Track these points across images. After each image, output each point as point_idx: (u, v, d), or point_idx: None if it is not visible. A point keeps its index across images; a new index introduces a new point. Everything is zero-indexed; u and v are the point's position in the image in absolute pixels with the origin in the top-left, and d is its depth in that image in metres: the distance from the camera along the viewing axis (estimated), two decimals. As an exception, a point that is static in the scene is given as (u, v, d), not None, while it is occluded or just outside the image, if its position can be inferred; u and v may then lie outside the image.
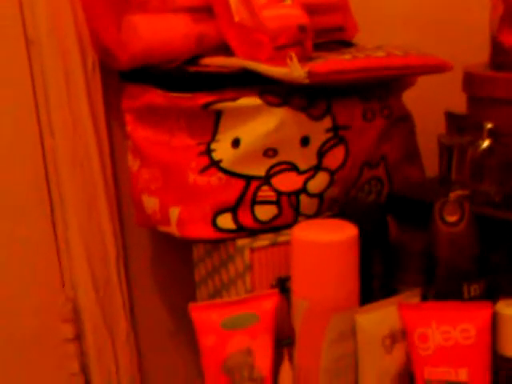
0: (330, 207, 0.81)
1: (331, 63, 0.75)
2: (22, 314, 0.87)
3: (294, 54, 0.73)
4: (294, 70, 0.72)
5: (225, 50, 0.78)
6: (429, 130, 0.87)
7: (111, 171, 0.89)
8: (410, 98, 0.88)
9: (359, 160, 0.82)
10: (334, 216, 0.78)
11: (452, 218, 0.72)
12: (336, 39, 0.91)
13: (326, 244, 0.70)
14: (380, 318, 0.71)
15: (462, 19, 1.03)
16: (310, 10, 0.81)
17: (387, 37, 0.91)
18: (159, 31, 0.78)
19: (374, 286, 0.76)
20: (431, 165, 0.88)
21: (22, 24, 0.82)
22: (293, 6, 0.78)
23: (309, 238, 0.71)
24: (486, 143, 0.79)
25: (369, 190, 0.84)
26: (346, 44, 0.91)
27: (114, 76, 0.85)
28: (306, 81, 0.71)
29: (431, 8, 1.05)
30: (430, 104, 0.91)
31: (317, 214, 0.80)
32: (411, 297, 0.74)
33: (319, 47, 0.86)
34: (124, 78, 0.83)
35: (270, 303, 0.73)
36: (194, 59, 0.79)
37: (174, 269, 0.96)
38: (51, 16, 0.82)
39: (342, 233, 0.71)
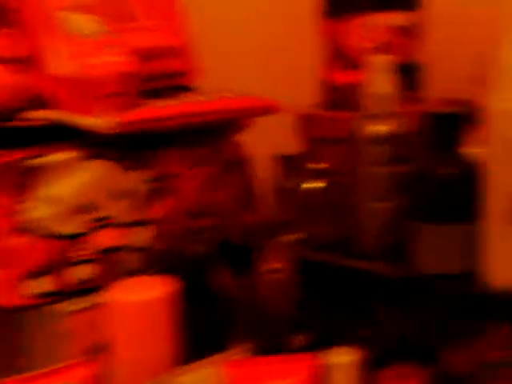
0: (156, 262, 0.77)
1: (143, 112, 0.73)
2: None
3: (105, 105, 0.70)
4: (104, 120, 0.69)
5: (45, 103, 0.75)
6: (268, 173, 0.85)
7: None
8: (247, 142, 0.86)
9: (186, 210, 0.79)
10: (159, 271, 0.74)
11: (274, 265, 0.69)
12: (176, 84, 0.89)
13: (137, 304, 0.67)
14: (201, 378, 0.67)
15: (292, 61, 1.02)
16: (145, 56, 0.79)
17: (228, 80, 0.89)
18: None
19: (201, 342, 0.72)
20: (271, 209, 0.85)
21: None
22: (118, 53, 0.76)
23: (119, 299, 0.67)
24: (318, 184, 0.77)
25: (200, 240, 0.80)
26: (186, 89, 0.89)
27: None
28: (116, 131, 0.70)
29: (268, 52, 1.06)
30: (268, 147, 0.89)
31: (141, 271, 0.76)
32: (242, 352, 0.70)
33: (157, 93, 0.84)
34: None
35: (85, 370, 0.68)
36: (13, 113, 0.76)
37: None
38: None
39: (155, 290, 0.68)
